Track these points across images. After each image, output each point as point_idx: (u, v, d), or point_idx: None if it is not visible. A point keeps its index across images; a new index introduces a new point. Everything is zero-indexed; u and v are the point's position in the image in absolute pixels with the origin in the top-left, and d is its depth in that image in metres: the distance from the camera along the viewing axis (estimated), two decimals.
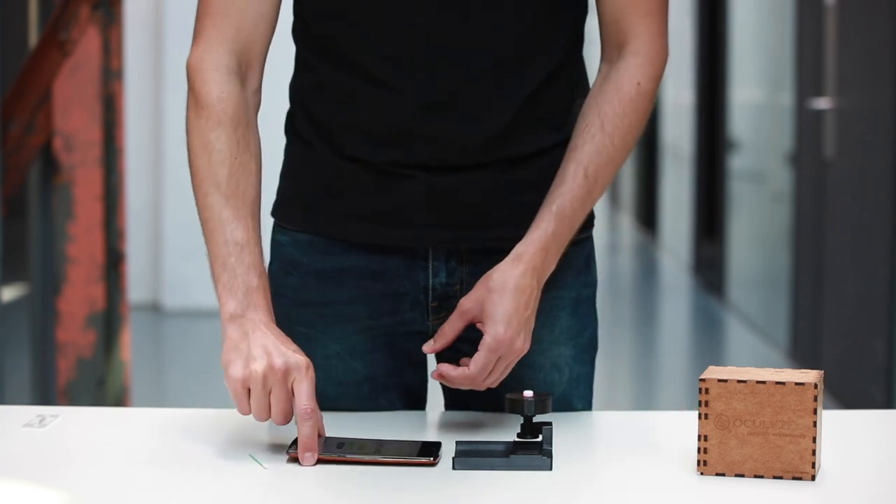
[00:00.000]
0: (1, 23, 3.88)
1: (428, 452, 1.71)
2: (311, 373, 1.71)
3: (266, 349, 1.71)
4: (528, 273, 1.79)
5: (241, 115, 1.81)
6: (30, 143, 3.91)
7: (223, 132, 1.79)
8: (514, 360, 1.80)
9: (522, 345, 1.79)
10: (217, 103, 1.80)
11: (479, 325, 1.79)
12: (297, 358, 1.70)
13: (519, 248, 1.81)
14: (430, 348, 1.83)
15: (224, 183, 1.77)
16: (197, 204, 1.80)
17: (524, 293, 1.78)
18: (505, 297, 1.77)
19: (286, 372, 1.69)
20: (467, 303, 1.80)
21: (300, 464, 1.69)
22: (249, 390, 1.69)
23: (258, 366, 1.69)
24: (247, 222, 1.77)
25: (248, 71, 1.85)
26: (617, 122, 1.83)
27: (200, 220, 1.80)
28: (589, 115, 1.84)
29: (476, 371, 1.77)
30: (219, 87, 1.80)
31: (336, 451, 1.71)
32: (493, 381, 1.80)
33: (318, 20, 1.87)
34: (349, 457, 1.70)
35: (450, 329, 1.81)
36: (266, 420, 1.71)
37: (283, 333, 1.74)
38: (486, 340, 1.77)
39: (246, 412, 1.70)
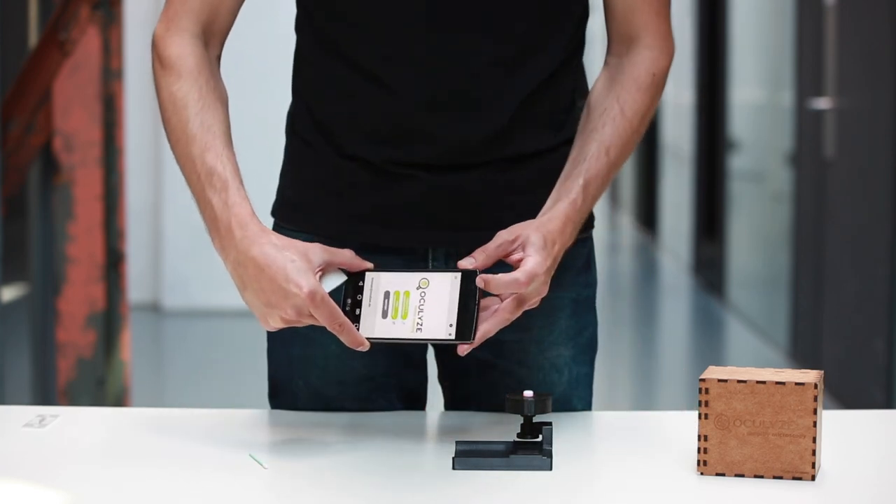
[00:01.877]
0: (1, 23, 3.88)
1: (464, 328, 1.68)
2: (319, 295, 1.66)
3: (268, 300, 1.69)
4: (554, 242, 1.77)
5: (203, 67, 1.83)
6: (30, 143, 3.91)
7: (185, 83, 1.81)
8: (535, 302, 1.74)
9: (545, 288, 1.74)
10: (178, 60, 1.82)
11: (514, 257, 1.73)
12: (297, 294, 1.67)
13: (550, 215, 1.78)
14: (469, 263, 1.74)
15: (189, 124, 1.78)
16: (173, 154, 1.81)
17: (552, 253, 1.75)
18: (546, 246, 1.74)
19: (300, 314, 1.68)
20: (504, 233, 1.75)
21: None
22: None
23: (277, 322, 1.70)
24: (215, 149, 1.77)
25: (210, 40, 1.87)
26: (636, 108, 1.85)
27: (179, 167, 1.80)
28: (607, 100, 1.85)
29: (525, 276, 1.69)
30: (180, 48, 1.83)
31: (381, 328, 1.70)
32: (512, 318, 1.73)
33: (319, 15, 1.87)
34: (391, 338, 1.70)
35: (490, 252, 1.74)
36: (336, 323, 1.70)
37: (268, 244, 1.70)
38: (529, 264, 1.70)
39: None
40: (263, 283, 1.69)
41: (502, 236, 1.75)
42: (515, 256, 1.74)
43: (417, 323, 1.70)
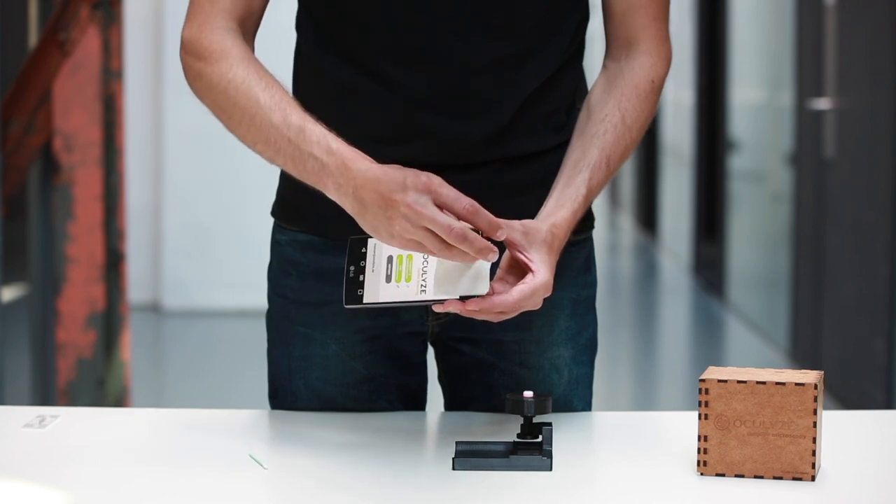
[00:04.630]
0: (1, 23, 3.88)
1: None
2: (434, 181, 1.62)
3: (384, 195, 1.63)
4: (559, 254, 1.77)
5: (250, 54, 1.81)
6: (30, 143, 3.91)
7: (239, 69, 1.78)
8: (527, 308, 1.72)
9: (540, 303, 1.74)
10: (224, 52, 1.80)
11: (518, 255, 1.73)
12: (415, 176, 1.62)
13: (555, 221, 1.77)
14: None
15: (261, 98, 1.76)
16: (245, 137, 1.78)
17: (555, 265, 1.76)
18: (551, 254, 1.74)
19: (419, 198, 1.62)
20: (517, 223, 1.73)
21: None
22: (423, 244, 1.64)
23: (395, 216, 1.63)
24: (297, 111, 1.74)
25: (245, 36, 1.85)
26: (636, 116, 1.85)
27: (257, 147, 1.77)
28: (608, 106, 1.85)
29: (515, 299, 1.69)
30: (221, 43, 1.81)
31: (386, 293, 1.67)
32: (497, 319, 1.72)
33: (320, 13, 1.87)
34: (396, 301, 1.67)
35: (504, 227, 1.71)
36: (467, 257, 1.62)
37: (386, 166, 1.66)
38: (539, 279, 1.70)
39: (453, 254, 1.63)
40: (381, 187, 1.64)
41: (515, 224, 1.74)
42: (522, 257, 1.73)
43: (421, 285, 1.68)
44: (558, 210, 1.79)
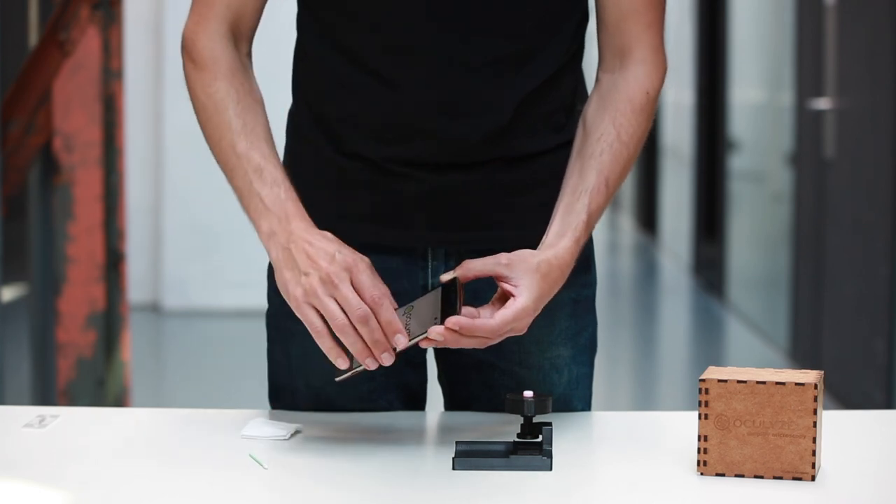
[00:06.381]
0: (1, 23, 3.88)
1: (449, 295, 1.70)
2: (359, 265, 1.70)
3: (311, 257, 1.71)
4: (558, 282, 1.78)
5: (236, 69, 1.85)
6: (30, 143, 3.91)
7: (221, 84, 1.84)
8: (513, 332, 1.75)
9: (525, 328, 1.76)
10: (211, 62, 1.85)
11: (504, 285, 1.75)
12: (346, 254, 1.71)
13: (556, 252, 1.78)
14: (449, 276, 1.76)
15: (232, 122, 1.81)
16: (213, 152, 1.84)
17: (549, 293, 1.77)
18: (544, 282, 1.76)
19: (339, 272, 1.69)
20: (503, 257, 1.76)
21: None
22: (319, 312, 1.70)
23: (312, 278, 1.70)
24: (261, 149, 1.80)
25: (239, 40, 1.88)
26: (632, 132, 1.84)
27: (219, 165, 1.83)
28: (603, 123, 1.84)
29: (498, 324, 1.71)
30: (211, 50, 1.85)
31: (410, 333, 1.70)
32: (483, 345, 1.74)
33: (321, 11, 1.87)
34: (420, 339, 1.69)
35: (477, 266, 1.75)
36: (363, 348, 1.68)
37: (323, 234, 1.74)
38: (519, 303, 1.72)
39: (331, 348, 1.70)
40: (311, 250, 1.72)
41: (500, 259, 1.75)
42: (507, 286, 1.74)
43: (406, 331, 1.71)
44: (559, 240, 1.79)
